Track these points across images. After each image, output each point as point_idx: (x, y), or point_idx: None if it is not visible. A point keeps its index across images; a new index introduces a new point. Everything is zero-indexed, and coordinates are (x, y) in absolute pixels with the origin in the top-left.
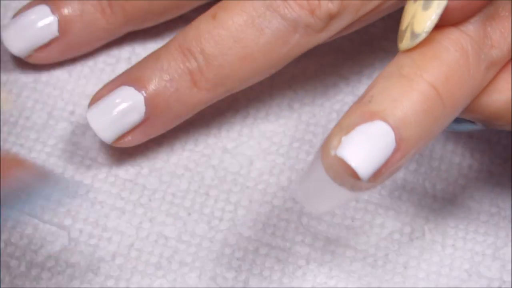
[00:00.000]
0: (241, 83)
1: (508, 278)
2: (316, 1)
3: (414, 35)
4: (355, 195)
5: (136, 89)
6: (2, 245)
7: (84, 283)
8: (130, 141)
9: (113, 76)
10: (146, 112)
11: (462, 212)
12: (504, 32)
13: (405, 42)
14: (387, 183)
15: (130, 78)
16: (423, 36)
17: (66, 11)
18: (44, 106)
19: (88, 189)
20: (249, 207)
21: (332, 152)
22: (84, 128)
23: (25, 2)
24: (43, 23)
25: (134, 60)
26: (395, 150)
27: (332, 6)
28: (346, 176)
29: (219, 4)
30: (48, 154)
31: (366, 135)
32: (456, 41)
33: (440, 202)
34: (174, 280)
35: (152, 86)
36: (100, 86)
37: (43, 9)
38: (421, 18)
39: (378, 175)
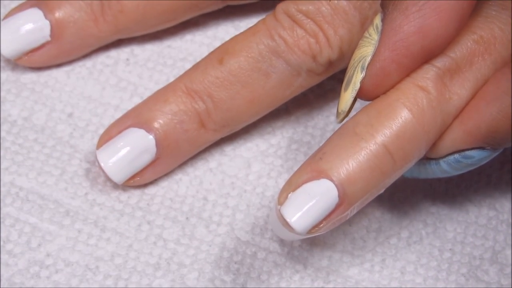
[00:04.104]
0: (246, 123)
1: (506, 282)
2: (318, 48)
3: (338, 113)
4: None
5: (146, 131)
6: (1, 243)
7: (83, 282)
8: (140, 181)
9: (111, 77)
10: (156, 153)
11: (460, 216)
12: (464, 83)
13: (336, 119)
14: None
15: (139, 120)
16: (342, 115)
17: (59, 16)
18: (43, 107)
19: (87, 191)
20: (247, 211)
21: (278, 207)
22: (82, 131)
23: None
24: (35, 27)
25: (132, 61)
26: (338, 205)
27: (332, 53)
28: (288, 227)
29: (224, 47)
30: (47, 156)
31: (309, 194)
32: (413, 98)
33: (438, 205)
34: (172, 281)
35: (163, 128)
36: (98, 87)
37: (36, 12)
38: (342, 99)
39: (318, 228)
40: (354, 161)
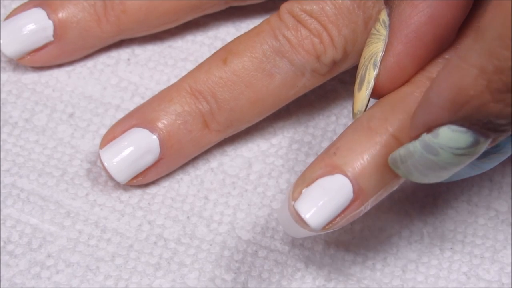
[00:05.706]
0: (249, 123)
1: (506, 281)
2: (322, 48)
3: (354, 114)
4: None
5: (150, 131)
6: (2, 243)
7: (84, 283)
8: (142, 181)
9: (112, 77)
10: (160, 153)
11: (461, 215)
12: None
13: (353, 120)
14: None
15: (144, 120)
16: (358, 115)
17: (62, 16)
18: (44, 108)
19: (88, 192)
20: (248, 210)
21: (292, 203)
22: (83, 131)
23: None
24: (38, 27)
25: (133, 61)
26: (353, 200)
27: (336, 53)
28: (302, 224)
29: (229, 47)
30: (48, 157)
31: (324, 190)
32: None
33: (439, 205)
34: (173, 281)
35: (167, 129)
36: (99, 87)
37: (39, 12)
38: (357, 99)
39: (332, 224)
40: (368, 156)
